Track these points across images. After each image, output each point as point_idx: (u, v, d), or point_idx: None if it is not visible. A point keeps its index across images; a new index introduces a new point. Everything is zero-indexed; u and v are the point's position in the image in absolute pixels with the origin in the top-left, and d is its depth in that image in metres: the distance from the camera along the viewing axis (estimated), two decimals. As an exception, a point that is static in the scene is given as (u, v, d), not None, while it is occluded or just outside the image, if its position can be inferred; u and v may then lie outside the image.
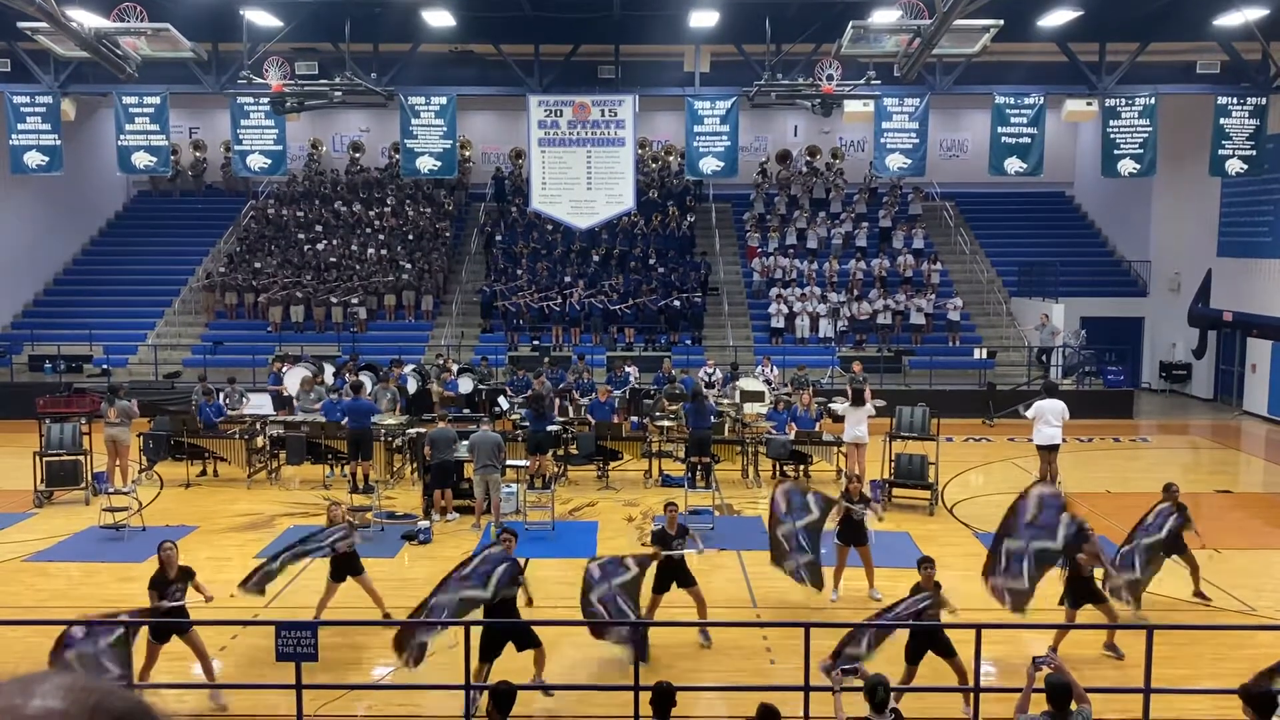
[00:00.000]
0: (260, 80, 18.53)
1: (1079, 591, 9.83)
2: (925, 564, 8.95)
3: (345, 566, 10.37)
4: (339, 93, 19.29)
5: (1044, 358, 24.51)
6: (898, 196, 29.88)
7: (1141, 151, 20.40)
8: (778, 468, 17.33)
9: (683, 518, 10.44)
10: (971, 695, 7.98)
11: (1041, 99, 20.46)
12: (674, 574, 10.15)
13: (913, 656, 8.66)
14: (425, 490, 14.98)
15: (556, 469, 16.77)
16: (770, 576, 11.37)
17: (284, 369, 20.55)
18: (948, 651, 8.58)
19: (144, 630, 8.66)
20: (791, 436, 16.65)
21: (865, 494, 11.69)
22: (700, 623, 10.11)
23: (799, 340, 25.65)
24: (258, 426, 17.60)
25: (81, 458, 15.66)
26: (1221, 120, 20.34)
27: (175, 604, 8.75)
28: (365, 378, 18.77)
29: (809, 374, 21.29)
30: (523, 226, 28.89)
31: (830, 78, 17.85)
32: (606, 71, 21.26)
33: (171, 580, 8.84)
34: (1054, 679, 6.67)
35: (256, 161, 21.03)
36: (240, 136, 20.96)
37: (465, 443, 14.62)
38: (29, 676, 1.05)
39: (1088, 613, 9.81)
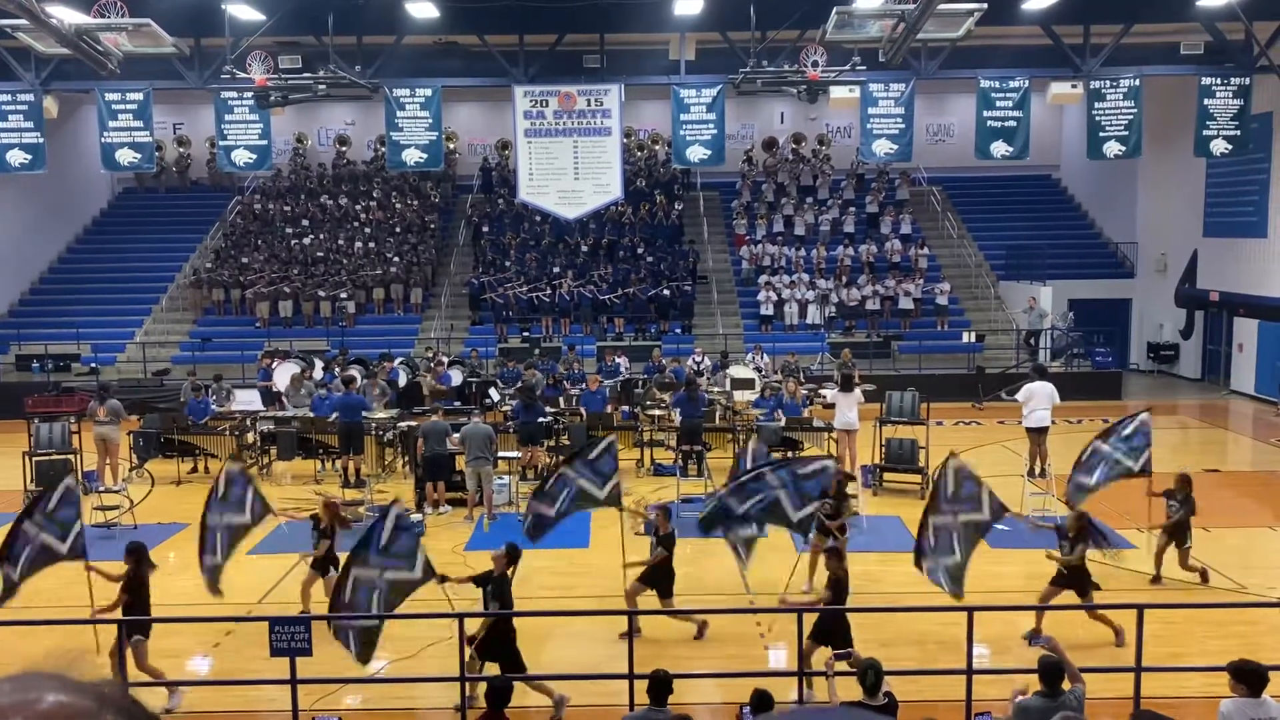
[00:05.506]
0: (244, 75, 18.43)
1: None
2: None
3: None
4: (323, 86, 19.19)
5: (1032, 340, 24.60)
6: (885, 182, 29.90)
7: (1126, 133, 20.45)
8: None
9: (675, 505, 10.40)
10: (965, 677, 8.03)
11: (1026, 82, 20.49)
12: None
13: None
14: (417, 483, 14.98)
15: (549, 459, 16.77)
16: (763, 563, 11.38)
17: (274, 364, 20.49)
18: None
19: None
20: (782, 423, 16.70)
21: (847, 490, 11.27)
22: (701, 610, 10.13)
23: (788, 327, 25.67)
24: (248, 423, 17.55)
25: (71, 457, 15.59)
26: (1206, 101, 20.39)
27: None
28: (354, 372, 18.73)
29: (799, 361, 21.33)
30: (510, 218, 28.82)
31: (816, 64, 17.82)
32: (591, 61, 21.19)
33: None
34: (1047, 659, 6.71)
35: (241, 156, 20.94)
36: (225, 132, 20.86)
37: (457, 435, 14.62)
38: (28, 674, 1.05)
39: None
